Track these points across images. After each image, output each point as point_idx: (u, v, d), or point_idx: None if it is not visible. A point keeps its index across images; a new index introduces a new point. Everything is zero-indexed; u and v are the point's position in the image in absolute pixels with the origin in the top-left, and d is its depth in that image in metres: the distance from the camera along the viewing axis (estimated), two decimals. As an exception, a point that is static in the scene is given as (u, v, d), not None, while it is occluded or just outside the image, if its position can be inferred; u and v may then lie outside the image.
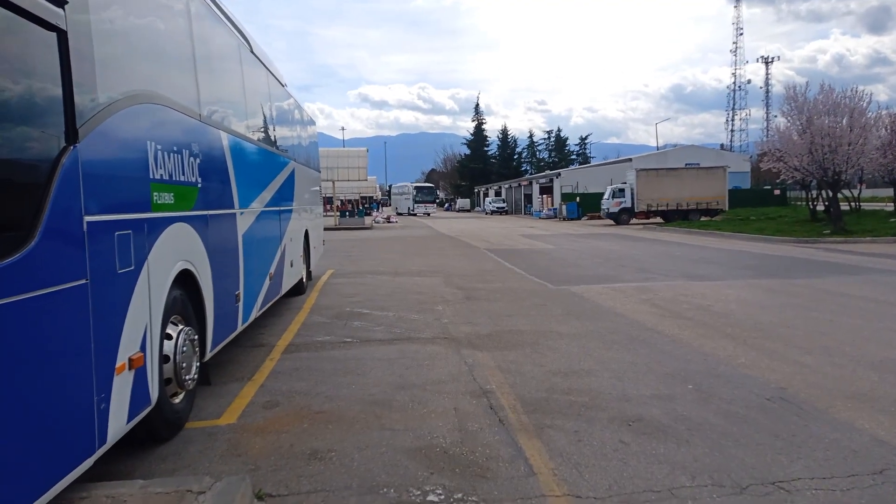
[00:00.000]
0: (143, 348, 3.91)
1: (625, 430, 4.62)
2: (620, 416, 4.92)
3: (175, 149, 4.63)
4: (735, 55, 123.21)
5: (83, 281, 3.23)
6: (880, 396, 5.30)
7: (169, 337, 4.48)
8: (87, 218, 3.29)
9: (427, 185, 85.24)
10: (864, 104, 24.10)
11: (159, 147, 4.32)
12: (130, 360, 3.72)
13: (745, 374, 6.00)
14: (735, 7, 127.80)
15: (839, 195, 25.80)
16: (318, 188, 14.26)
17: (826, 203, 26.66)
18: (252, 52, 7.97)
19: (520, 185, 74.35)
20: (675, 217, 36.87)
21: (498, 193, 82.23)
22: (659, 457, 4.14)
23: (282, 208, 9.09)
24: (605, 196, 40.39)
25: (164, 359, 4.39)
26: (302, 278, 11.17)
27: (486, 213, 72.66)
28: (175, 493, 3.34)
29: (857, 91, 24.12)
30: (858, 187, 32.98)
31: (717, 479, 3.79)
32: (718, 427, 4.65)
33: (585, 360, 6.59)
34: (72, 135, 3.19)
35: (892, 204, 31.31)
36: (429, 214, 69.13)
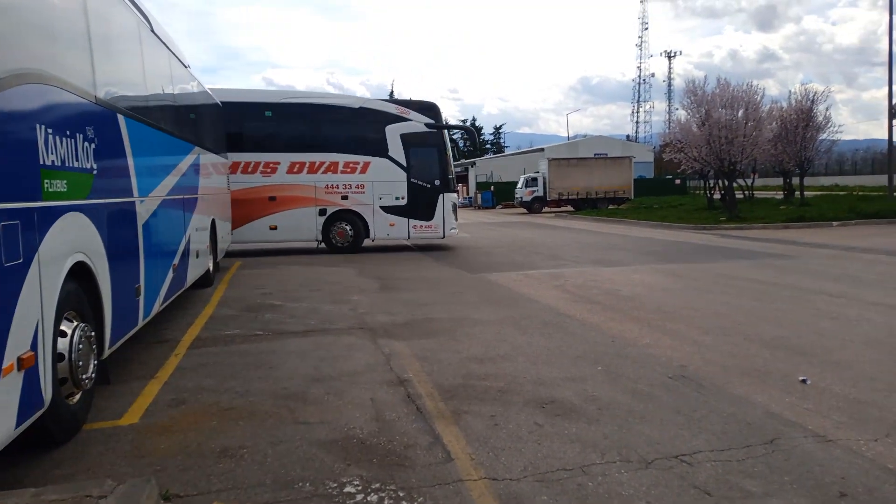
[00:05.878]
0: (34, 347, 3.64)
1: (539, 412, 4.74)
2: (535, 399, 5.03)
3: (68, 133, 4.32)
4: (640, 49, 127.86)
5: (-38, 275, 2.97)
6: (772, 372, 5.67)
7: (63, 334, 4.20)
8: (-34, 207, 3.02)
9: None
10: (759, 98, 25.69)
11: (50, 131, 4.01)
12: (20, 359, 3.45)
13: (650, 354, 6.27)
14: (641, 2, 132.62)
15: (734, 184, 27.40)
16: (225, 176, 13.76)
17: (722, 192, 28.26)
18: (152, 31, 7.55)
19: (435, 173, 74.37)
20: (585, 205, 38.10)
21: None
22: (571, 436, 4.26)
23: (186, 196, 8.70)
24: (519, 185, 41.23)
25: (58, 357, 4.11)
26: (209, 269, 10.75)
27: (402, 202, 72.13)
28: (72, 498, 3.13)
29: (751, 85, 25.69)
30: (752, 177, 35.15)
31: (624, 455, 3.94)
32: (625, 405, 4.84)
33: (501, 346, 6.69)
34: None
35: (782, 192, 33.58)
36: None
